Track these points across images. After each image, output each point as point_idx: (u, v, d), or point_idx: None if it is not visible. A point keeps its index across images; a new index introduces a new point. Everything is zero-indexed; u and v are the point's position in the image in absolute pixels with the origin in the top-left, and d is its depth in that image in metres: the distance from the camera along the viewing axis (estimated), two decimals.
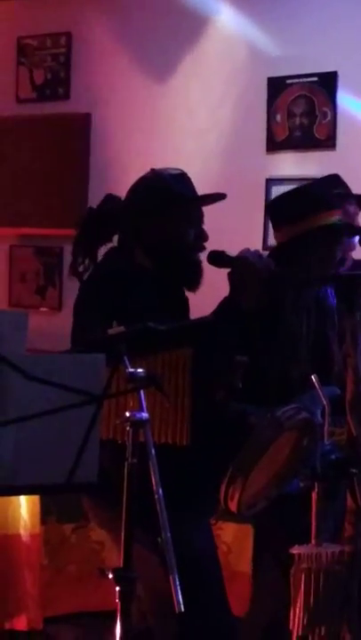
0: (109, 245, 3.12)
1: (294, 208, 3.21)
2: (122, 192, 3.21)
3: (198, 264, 3.06)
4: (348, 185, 4.09)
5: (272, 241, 4.54)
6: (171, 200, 3.02)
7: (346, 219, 3.64)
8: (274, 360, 3.09)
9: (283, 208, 3.28)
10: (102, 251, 3.14)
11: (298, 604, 2.61)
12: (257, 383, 3.01)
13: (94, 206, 3.14)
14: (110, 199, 3.12)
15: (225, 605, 3.00)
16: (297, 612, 2.62)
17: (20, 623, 4.28)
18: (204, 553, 2.93)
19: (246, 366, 2.93)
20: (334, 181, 4.02)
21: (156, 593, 2.76)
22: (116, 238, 3.13)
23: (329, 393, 2.79)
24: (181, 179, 3.08)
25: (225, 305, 3.02)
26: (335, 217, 3.20)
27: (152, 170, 3.11)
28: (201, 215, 3.10)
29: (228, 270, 3.05)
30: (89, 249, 3.08)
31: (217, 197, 3.14)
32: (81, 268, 3.07)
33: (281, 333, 3.13)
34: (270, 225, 3.40)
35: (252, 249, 3.08)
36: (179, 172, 3.10)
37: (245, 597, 3.44)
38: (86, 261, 3.07)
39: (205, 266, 3.09)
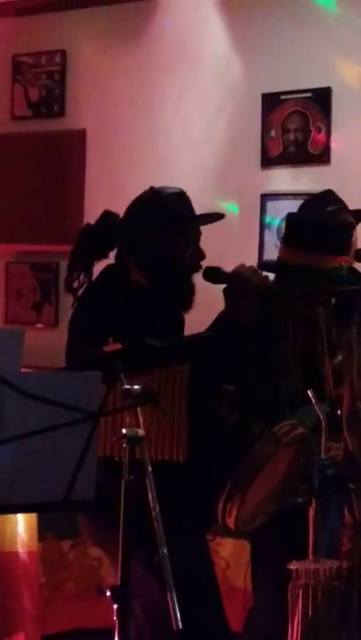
0: (105, 262, 3.12)
1: (307, 237, 3.12)
2: (118, 208, 3.22)
3: (192, 286, 3.07)
4: (344, 200, 4.09)
5: (267, 257, 4.57)
6: (168, 218, 3.02)
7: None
8: (263, 375, 3.09)
9: (298, 231, 3.18)
10: (98, 267, 3.15)
11: (295, 620, 2.61)
12: (248, 399, 3.01)
13: (91, 222, 3.16)
14: (108, 216, 3.13)
15: (223, 622, 2.99)
16: (294, 627, 2.61)
17: None
18: (200, 569, 2.93)
19: (233, 396, 2.94)
20: (329, 198, 4.00)
21: (152, 611, 2.75)
22: (112, 255, 3.13)
23: (314, 411, 2.79)
24: (180, 197, 3.09)
25: (220, 320, 3.02)
26: (338, 263, 3.12)
27: (151, 188, 3.12)
28: (198, 234, 3.10)
29: (223, 287, 3.06)
30: (84, 265, 3.09)
31: (215, 217, 3.15)
32: (75, 284, 3.07)
33: (269, 348, 3.13)
34: (265, 241, 3.40)
35: (248, 264, 3.09)
36: (178, 190, 3.11)
37: (243, 613, 3.43)
38: (81, 277, 3.07)
39: (201, 284, 3.09)
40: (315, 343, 3.15)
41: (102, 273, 3.10)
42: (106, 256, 3.11)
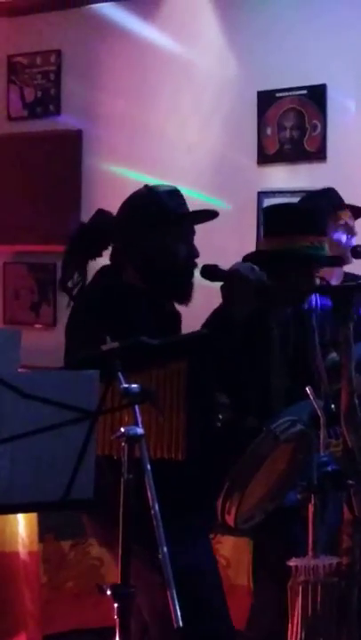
0: (99, 262, 3.11)
1: (278, 222, 3.23)
2: (114, 207, 3.20)
3: (189, 278, 3.05)
4: (341, 196, 4.10)
5: None
6: (162, 216, 3.00)
7: (334, 245, 3.66)
8: (253, 371, 3.10)
9: (270, 219, 3.31)
10: (92, 266, 3.13)
11: (295, 617, 2.61)
12: (240, 395, 3.02)
13: (85, 221, 3.15)
14: (101, 214, 3.10)
15: (227, 619, 2.99)
16: (295, 624, 2.61)
17: None
18: (204, 567, 2.92)
19: (226, 407, 2.94)
20: (329, 196, 4.02)
21: (157, 611, 2.74)
22: (105, 254, 3.12)
23: (307, 408, 2.80)
24: (174, 195, 3.07)
25: (216, 318, 3.01)
26: (309, 242, 3.18)
27: (145, 186, 3.10)
28: (192, 232, 3.09)
29: (220, 284, 3.06)
30: (79, 264, 3.07)
31: (209, 214, 3.13)
32: (70, 284, 3.05)
33: (261, 344, 3.15)
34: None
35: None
36: (171, 188, 3.10)
37: (245, 611, 3.43)
38: (75, 276, 3.05)
39: (198, 280, 3.08)
40: (306, 340, 3.18)
41: (97, 274, 3.08)
42: (100, 255, 3.08)
